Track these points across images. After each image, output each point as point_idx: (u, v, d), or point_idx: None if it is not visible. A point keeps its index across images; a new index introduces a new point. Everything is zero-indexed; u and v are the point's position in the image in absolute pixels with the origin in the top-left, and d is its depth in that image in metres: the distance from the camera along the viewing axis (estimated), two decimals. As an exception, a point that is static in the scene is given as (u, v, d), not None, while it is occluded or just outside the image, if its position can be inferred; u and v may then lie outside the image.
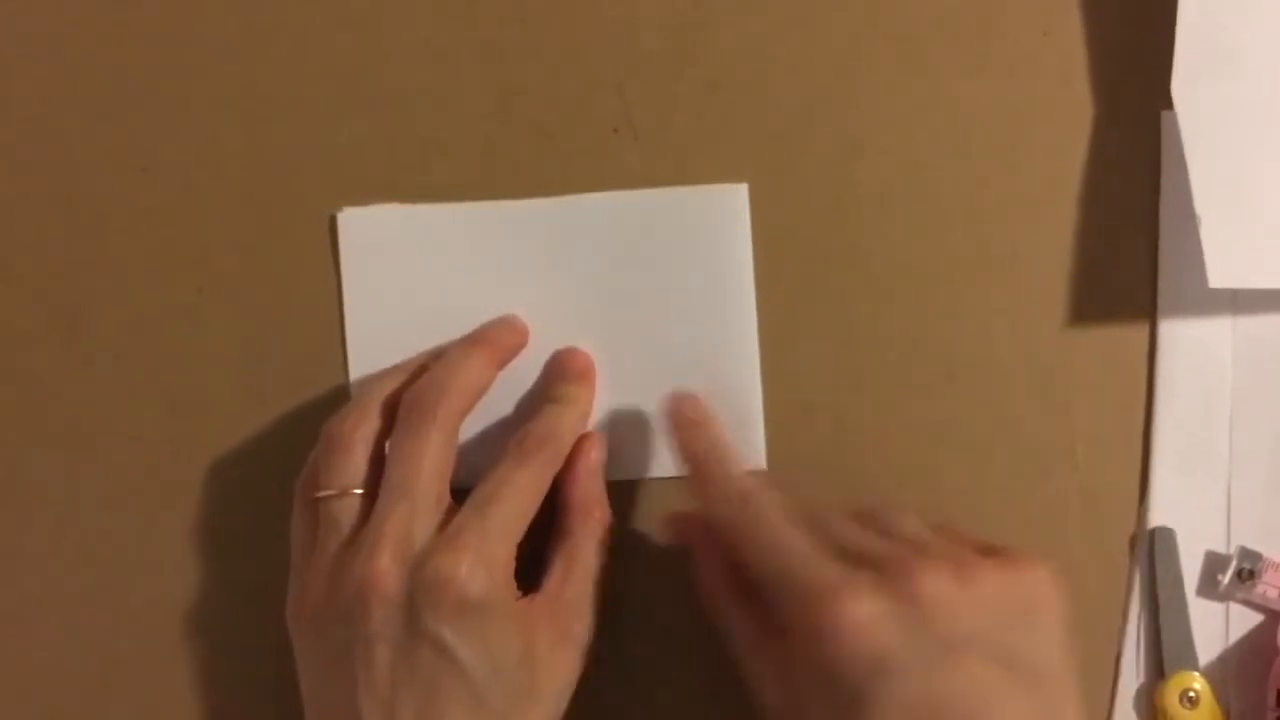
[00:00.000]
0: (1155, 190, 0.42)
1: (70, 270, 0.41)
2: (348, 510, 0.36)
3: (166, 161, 0.41)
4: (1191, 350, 0.41)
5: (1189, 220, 0.40)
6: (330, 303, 0.41)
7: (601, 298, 0.41)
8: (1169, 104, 0.40)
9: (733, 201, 0.41)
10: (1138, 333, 0.42)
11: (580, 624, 0.38)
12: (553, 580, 0.38)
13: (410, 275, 0.41)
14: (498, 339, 0.40)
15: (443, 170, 0.42)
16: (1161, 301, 0.42)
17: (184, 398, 0.41)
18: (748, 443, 0.41)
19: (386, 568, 0.34)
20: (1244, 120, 0.40)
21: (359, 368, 0.41)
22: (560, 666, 0.37)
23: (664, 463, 0.41)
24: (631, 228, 0.41)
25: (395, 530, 0.35)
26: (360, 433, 0.37)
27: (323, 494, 0.37)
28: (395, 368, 0.40)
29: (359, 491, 0.36)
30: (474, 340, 0.40)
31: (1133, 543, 0.41)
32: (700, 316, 0.41)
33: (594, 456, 0.40)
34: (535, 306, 0.41)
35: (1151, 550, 0.41)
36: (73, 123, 0.41)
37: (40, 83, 0.42)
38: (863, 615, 0.32)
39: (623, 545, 0.41)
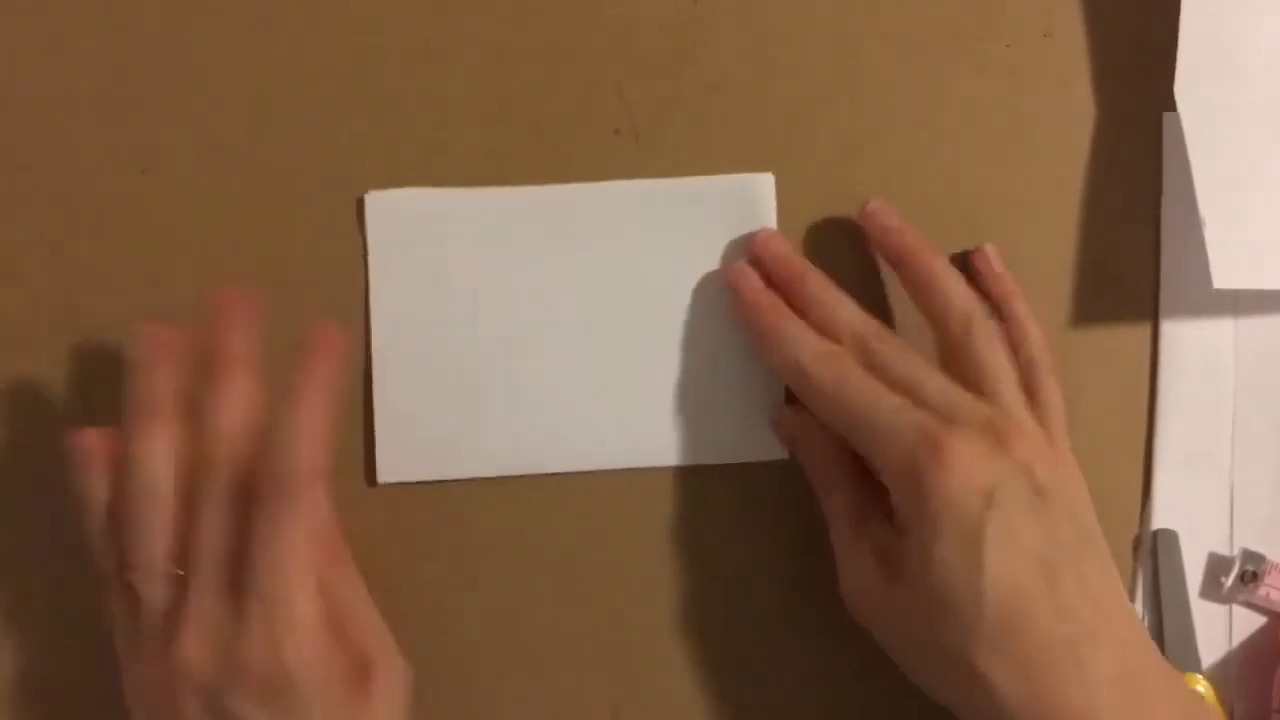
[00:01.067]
0: (1157, 192, 0.42)
1: (70, 270, 0.41)
2: (162, 588, 0.34)
3: (166, 162, 0.41)
4: (1194, 352, 0.41)
5: (1191, 222, 0.40)
6: (332, 303, 0.41)
7: (625, 284, 0.41)
8: (1170, 106, 0.41)
9: (759, 190, 0.41)
10: (1140, 334, 0.42)
11: (378, 650, 0.36)
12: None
13: (436, 260, 0.41)
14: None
15: (443, 172, 0.41)
16: (1164, 303, 0.42)
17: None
18: (769, 437, 0.41)
19: (193, 654, 0.33)
20: (1246, 121, 0.40)
21: (382, 351, 0.41)
22: (376, 700, 0.35)
23: (672, 451, 0.41)
24: (657, 216, 0.41)
25: (201, 614, 0.33)
26: (159, 513, 0.35)
27: (132, 573, 0.35)
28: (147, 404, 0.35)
29: (173, 570, 0.35)
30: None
31: (1136, 545, 0.41)
32: (721, 306, 0.41)
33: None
34: (559, 291, 0.41)
35: (1154, 552, 0.41)
36: (73, 123, 0.41)
37: (40, 83, 0.42)
38: (972, 449, 0.35)
39: (620, 534, 0.41)
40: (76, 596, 0.40)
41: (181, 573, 0.34)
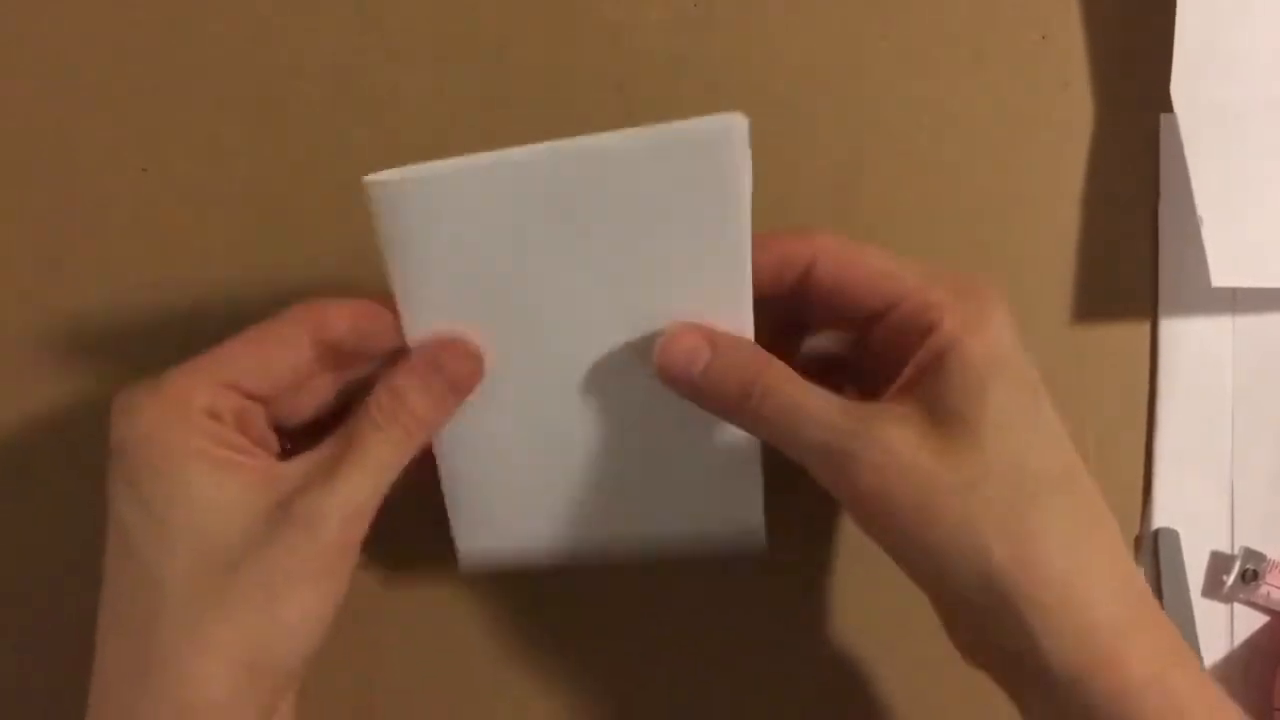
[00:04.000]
0: (1155, 192, 0.42)
1: (70, 270, 0.41)
2: None
3: (167, 161, 0.41)
4: (1193, 350, 0.41)
5: (1188, 221, 0.40)
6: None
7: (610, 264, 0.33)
8: (1167, 106, 0.41)
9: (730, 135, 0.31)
10: (1139, 333, 0.42)
11: (330, 518, 0.31)
12: (317, 453, 0.33)
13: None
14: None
15: (443, 171, 0.41)
16: (1162, 302, 0.42)
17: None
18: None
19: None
20: (1243, 121, 0.41)
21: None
22: (278, 551, 0.31)
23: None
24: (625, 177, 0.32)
25: None
26: None
27: None
28: None
29: None
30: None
31: (1137, 544, 0.41)
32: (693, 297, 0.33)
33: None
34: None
35: (1156, 551, 0.41)
36: (73, 123, 0.41)
37: (40, 83, 0.42)
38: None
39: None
40: (75, 597, 0.40)
41: None
